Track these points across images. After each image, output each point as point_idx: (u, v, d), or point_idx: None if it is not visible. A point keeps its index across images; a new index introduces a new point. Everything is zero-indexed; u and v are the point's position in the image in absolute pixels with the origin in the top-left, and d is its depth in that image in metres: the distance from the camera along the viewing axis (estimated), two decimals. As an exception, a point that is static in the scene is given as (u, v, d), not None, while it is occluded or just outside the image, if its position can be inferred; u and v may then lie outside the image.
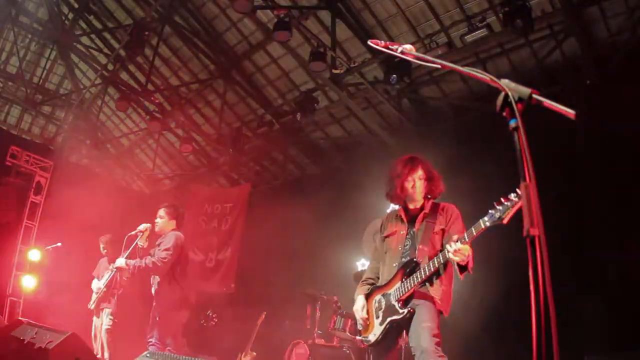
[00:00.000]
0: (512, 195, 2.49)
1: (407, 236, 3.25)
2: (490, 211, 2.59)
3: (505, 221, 2.53)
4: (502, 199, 2.53)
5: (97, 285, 6.50)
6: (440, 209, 3.26)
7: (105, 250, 6.73)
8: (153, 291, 5.02)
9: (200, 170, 11.12)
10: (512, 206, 2.48)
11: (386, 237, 3.39)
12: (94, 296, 6.43)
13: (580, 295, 5.20)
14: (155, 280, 5.02)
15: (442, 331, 2.99)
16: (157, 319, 4.87)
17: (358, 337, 3.40)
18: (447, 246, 2.81)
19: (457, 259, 2.77)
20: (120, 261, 4.96)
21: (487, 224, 2.61)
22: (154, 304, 4.99)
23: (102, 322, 6.32)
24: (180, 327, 5.07)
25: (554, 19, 5.92)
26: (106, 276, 6.19)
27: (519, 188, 2.35)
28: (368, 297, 3.31)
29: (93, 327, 6.43)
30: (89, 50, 9.27)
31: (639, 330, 4.77)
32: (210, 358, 6.70)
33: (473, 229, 2.71)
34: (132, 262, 4.90)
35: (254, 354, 6.34)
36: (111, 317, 6.27)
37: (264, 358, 6.48)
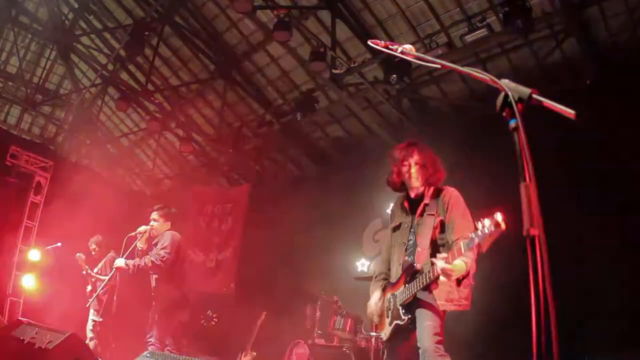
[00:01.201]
0: (487, 223, 2.38)
1: (411, 230, 3.18)
2: (470, 234, 2.53)
3: (484, 249, 2.49)
4: (480, 224, 2.43)
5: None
6: (440, 196, 3.13)
7: (96, 251, 6.77)
8: (152, 291, 5.04)
9: (200, 170, 11.11)
10: (489, 234, 2.39)
11: (394, 229, 3.33)
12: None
13: (580, 294, 5.20)
14: (153, 279, 5.03)
15: (447, 331, 2.98)
16: (156, 318, 4.88)
17: (373, 333, 3.40)
18: (437, 263, 2.74)
19: (444, 279, 2.75)
20: (120, 261, 4.97)
21: (466, 248, 2.55)
22: (153, 303, 5.00)
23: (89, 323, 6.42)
24: (180, 326, 5.08)
25: (554, 19, 5.91)
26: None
27: (499, 213, 2.32)
28: (382, 293, 3.30)
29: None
30: (89, 50, 9.27)
31: (639, 330, 4.77)
32: (210, 358, 6.70)
33: (455, 251, 2.66)
34: (131, 262, 4.92)
35: (254, 354, 6.34)
36: (94, 319, 6.32)
37: (264, 358, 6.48)
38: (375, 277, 3.43)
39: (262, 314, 6.71)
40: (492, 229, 2.35)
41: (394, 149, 3.27)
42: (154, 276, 5.03)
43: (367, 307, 3.32)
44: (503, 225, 2.33)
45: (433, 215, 3.08)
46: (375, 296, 3.30)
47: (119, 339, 6.33)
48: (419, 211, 3.16)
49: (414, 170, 3.14)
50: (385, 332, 3.16)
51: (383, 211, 7.31)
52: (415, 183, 3.17)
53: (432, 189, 3.19)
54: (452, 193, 3.15)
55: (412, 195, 3.24)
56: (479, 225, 2.43)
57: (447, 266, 2.68)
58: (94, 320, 6.34)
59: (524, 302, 1.30)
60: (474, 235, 2.47)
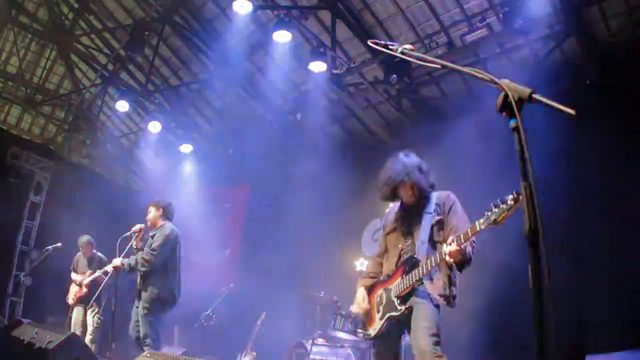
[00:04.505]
0: (509, 198, 2.44)
1: (408, 232, 3.23)
2: (486, 212, 2.55)
3: (499, 224, 2.51)
4: (499, 201, 2.49)
5: (76, 277, 6.65)
6: (437, 199, 3.22)
7: (82, 250, 6.85)
8: (139, 286, 5.05)
9: (200, 170, 11.08)
10: (508, 209, 2.44)
11: (387, 234, 3.38)
12: (73, 290, 6.56)
13: (580, 294, 5.20)
14: (138, 276, 5.05)
15: (446, 331, 2.97)
16: (144, 315, 4.91)
17: (359, 331, 3.39)
18: (443, 248, 2.80)
19: (451, 260, 2.77)
20: (117, 260, 5.01)
21: (482, 226, 2.58)
22: (140, 300, 5.02)
23: (89, 322, 6.48)
24: (164, 321, 5.12)
25: (554, 19, 5.91)
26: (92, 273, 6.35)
27: (516, 191, 2.36)
28: (371, 290, 3.30)
29: (73, 323, 6.53)
30: (89, 50, 9.27)
31: (639, 330, 4.77)
32: (210, 358, 6.69)
33: (469, 230, 2.68)
34: (126, 260, 4.97)
35: (254, 354, 6.33)
36: (99, 317, 6.36)
37: (264, 358, 6.48)
38: (364, 274, 3.46)
39: (262, 314, 6.70)
40: (512, 203, 2.42)
41: (386, 170, 3.27)
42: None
43: (355, 304, 3.31)
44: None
45: (431, 214, 3.16)
46: (360, 292, 3.31)
47: (119, 339, 6.33)
48: (415, 213, 3.23)
49: (409, 191, 3.22)
50: (375, 328, 3.16)
51: (382, 211, 7.29)
52: (411, 199, 3.25)
53: (426, 194, 3.27)
54: (449, 196, 3.24)
55: (409, 203, 3.30)
56: (498, 202, 2.48)
57: (456, 248, 2.71)
58: (100, 319, 6.38)
59: (524, 302, 1.30)
60: (490, 213, 2.53)
